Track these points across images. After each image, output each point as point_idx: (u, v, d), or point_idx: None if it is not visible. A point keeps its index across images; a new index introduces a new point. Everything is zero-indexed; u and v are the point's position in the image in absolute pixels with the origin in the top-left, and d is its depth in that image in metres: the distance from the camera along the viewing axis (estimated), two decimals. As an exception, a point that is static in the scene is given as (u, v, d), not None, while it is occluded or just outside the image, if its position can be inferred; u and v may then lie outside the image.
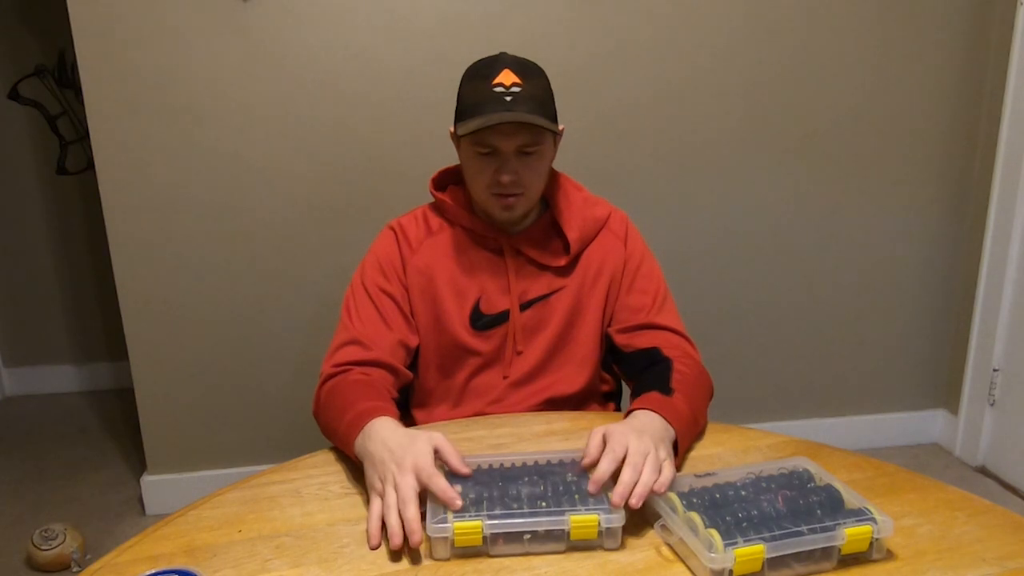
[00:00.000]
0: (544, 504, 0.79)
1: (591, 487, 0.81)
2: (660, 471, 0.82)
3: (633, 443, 0.83)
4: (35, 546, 1.82)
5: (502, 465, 0.88)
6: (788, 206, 2.19)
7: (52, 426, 2.67)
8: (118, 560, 0.78)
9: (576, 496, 0.80)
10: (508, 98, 1.06)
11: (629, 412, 0.97)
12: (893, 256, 2.28)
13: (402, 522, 0.78)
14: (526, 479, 0.83)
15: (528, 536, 0.77)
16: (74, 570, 1.84)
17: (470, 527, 0.75)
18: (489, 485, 0.83)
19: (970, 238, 2.27)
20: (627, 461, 0.81)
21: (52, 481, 2.28)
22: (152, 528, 0.84)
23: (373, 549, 0.78)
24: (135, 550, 0.80)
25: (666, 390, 1.00)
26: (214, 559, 0.78)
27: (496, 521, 0.76)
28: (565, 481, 0.83)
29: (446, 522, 0.76)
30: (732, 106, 2.09)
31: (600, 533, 0.77)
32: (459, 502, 0.78)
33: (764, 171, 2.15)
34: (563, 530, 0.76)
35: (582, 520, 0.76)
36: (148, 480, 2.09)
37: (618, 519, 0.76)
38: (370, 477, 0.86)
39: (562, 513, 0.77)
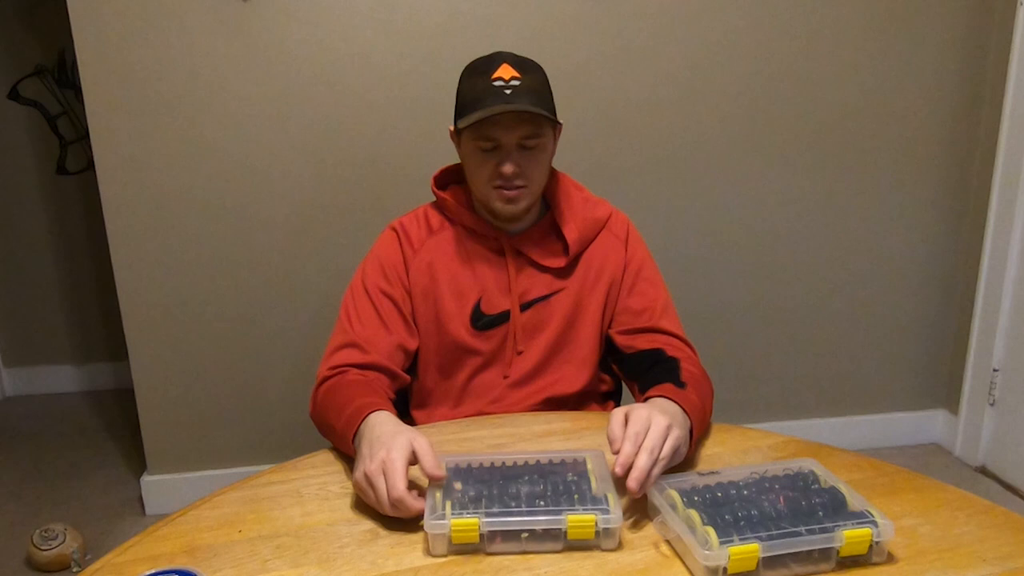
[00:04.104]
0: (542, 503, 0.79)
1: (618, 470, 0.82)
2: (675, 452, 0.86)
3: (655, 422, 0.85)
4: (35, 546, 1.82)
5: (504, 464, 0.88)
6: (788, 206, 2.19)
7: (52, 426, 2.67)
8: (118, 560, 0.78)
9: (575, 496, 0.80)
10: (508, 91, 1.06)
11: (645, 399, 0.98)
12: (893, 256, 2.28)
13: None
14: (526, 478, 0.83)
15: (526, 535, 0.77)
16: (74, 570, 1.83)
17: (467, 524, 0.75)
18: (489, 483, 0.83)
19: (970, 238, 2.27)
20: (644, 445, 0.83)
21: (52, 481, 2.28)
22: (152, 528, 0.84)
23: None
24: (135, 550, 0.80)
25: (679, 383, 1.01)
26: (214, 559, 0.78)
27: (493, 519, 0.76)
28: (565, 481, 0.83)
29: (443, 519, 0.76)
30: (732, 106, 2.09)
31: (597, 533, 0.77)
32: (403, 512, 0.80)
33: (764, 171, 2.15)
34: (560, 529, 0.76)
35: (579, 520, 0.76)
36: (148, 480, 2.09)
37: (615, 520, 0.76)
38: (355, 467, 0.87)
39: (559, 512, 0.77)
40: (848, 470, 0.94)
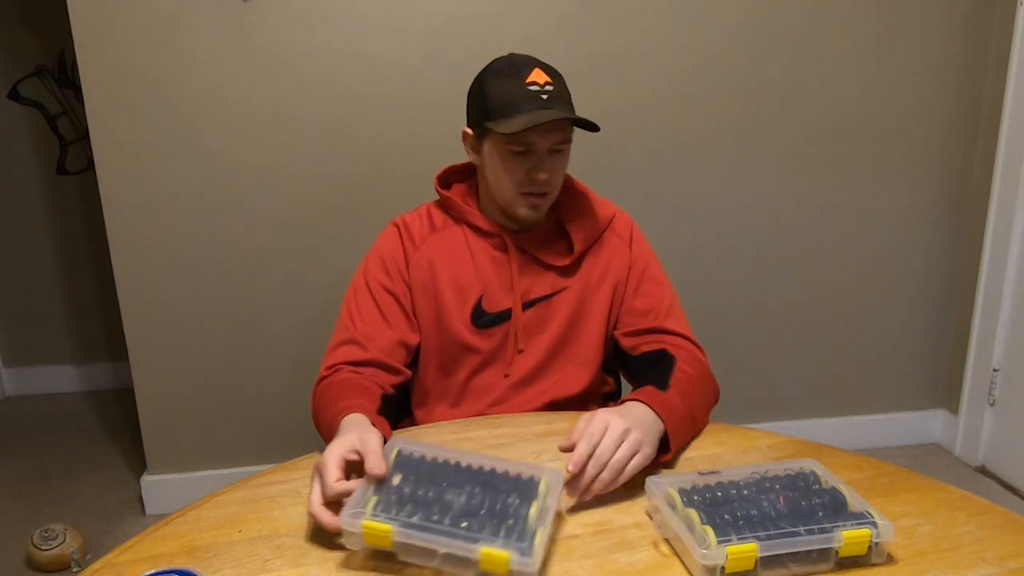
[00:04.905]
0: (466, 525, 0.73)
1: (571, 467, 0.82)
2: (631, 457, 0.86)
3: (611, 425, 0.86)
4: (35, 546, 1.82)
5: (457, 464, 0.83)
6: (788, 206, 2.19)
7: (52, 426, 2.67)
8: (118, 560, 0.78)
9: (509, 522, 0.74)
10: (544, 96, 1.07)
11: (622, 402, 0.98)
12: (893, 256, 2.28)
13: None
14: (468, 487, 0.78)
15: (442, 552, 0.72)
16: (74, 570, 1.84)
17: (380, 530, 0.72)
18: (428, 485, 0.79)
19: (970, 238, 2.27)
20: (595, 453, 0.84)
21: (52, 481, 2.28)
22: (152, 528, 0.84)
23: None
24: (135, 550, 0.80)
25: (662, 386, 1.01)
26: (214, 559, 0.78)
27: (407, 531, 0.72)
28: (505, 502, 0.77)
29: (358, 517, 0.73)
30: (732, 106, 2.09)
31: (510, 572, 0.71)
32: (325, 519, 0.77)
33: (764, 171, 2.15)
34: (472, 559, 0.71)
35: (492, 554, 0.70)
36: (148, 480, 2.09)
37: (529, 565, 0.70)
38: None
39: (475, 541, 0.72)
40: (848, 470, 0.94)
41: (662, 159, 2.09)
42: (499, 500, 0.77)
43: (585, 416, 0.89)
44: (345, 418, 0.92)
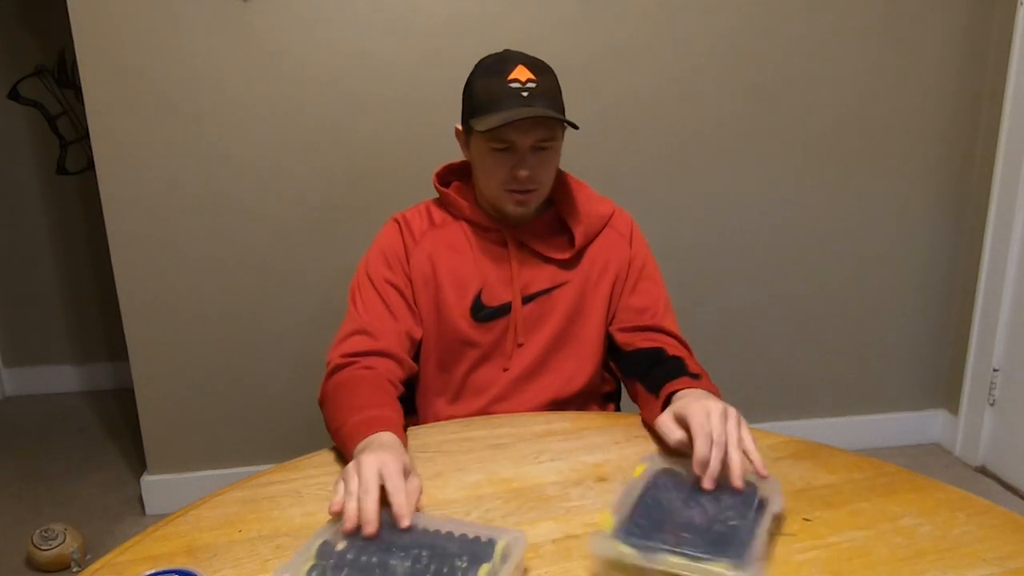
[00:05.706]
0: None
1: (707, 484, 0.82)
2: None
3: (713, 416, 0.88)
4: (35, 546, 1.82)
5: (414, 527, 0.78)
6: (788, 205, 2.19)
7: (52, 426, 2.67)
8: (118, 560, 0.78)
9: None
10: (525, 94, 1.07)
11: (668, 395, 0.99)
12: (893, 256, 2.28)
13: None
14: (416, 552, 0.73)
15: None
16: (74, 570, 1.84)
17: None
18: (375, 549, 0.74)
19: (970, 238, 2.27)
20: (723, 443, 0.85)
21: (52, 481, 2.28)
22: (152, 528, 0.84)
23: (345, 533, 0.75)
24: (135, 550, 0.80)
25: (692, 375, 1.02)
26: (214, 559, 0.78)
27: None
28: (453, 564, 0.72)
29: (283, 574, 0.70)
30: (732, 106, 2.09)
31: None
32: (405, 522, 0.76)
33: (764, 171, 2.15)
34: None
35: None
36: (148, 480, 2.09)
37: None
38: (346, 469, 0.82)
39: None
40: (848, 470, 0.94)
41: (662, 159, 2.09)
42: (447, 563, 0.71)
43: (667, 420, 0.92)
44: (378, 435, 0.89)
